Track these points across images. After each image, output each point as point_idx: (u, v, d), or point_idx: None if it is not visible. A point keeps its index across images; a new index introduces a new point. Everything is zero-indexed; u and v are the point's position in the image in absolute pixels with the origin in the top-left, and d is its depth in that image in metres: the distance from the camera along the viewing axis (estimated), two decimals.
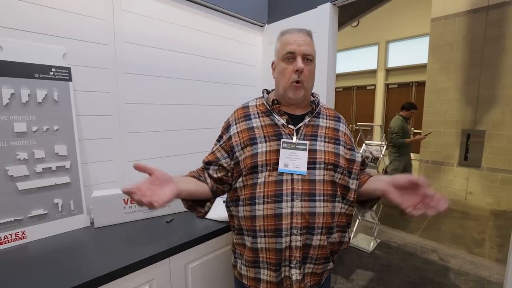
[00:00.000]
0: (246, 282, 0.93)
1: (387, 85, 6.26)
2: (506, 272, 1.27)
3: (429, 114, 4.58)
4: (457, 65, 4.21)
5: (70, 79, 1.23)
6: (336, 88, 7.10)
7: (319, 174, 0.88)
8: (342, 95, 7.03)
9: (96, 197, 1.23)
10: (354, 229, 3.00)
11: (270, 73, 1.05)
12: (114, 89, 1.41)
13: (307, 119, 0.96)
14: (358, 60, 6.66)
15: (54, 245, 1.09)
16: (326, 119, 1.00)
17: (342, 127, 1.01)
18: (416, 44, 5.62)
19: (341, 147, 0.95)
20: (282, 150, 0.88)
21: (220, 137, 1.02)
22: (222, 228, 1.25)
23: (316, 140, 0.93)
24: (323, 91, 1.80)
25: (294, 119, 0.96)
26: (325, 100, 1.80)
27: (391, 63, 6.15)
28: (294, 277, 0.86)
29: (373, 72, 6.42)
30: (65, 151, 1.21)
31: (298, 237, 0.85)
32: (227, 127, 1.01)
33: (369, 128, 5.74)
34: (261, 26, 2.18)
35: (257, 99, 1.05)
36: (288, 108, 0.98)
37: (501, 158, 3.93)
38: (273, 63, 1.01)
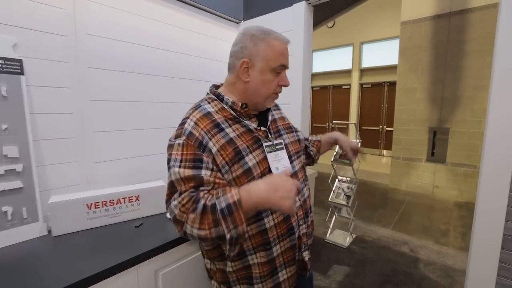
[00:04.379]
0: None
1: (361, 85, 6.46)
2: (468, 260, 1.36)
3: (399, 112, 4.78)
4: (424, 66, 4.42)
5: (22, 73, 1.11)
6: (313, 87, 7.08)
7: (296, 165, 0.95)
8: (319, 93, 7.18)
9: (54, 203, 1.12)
10: (331, 225, 3.05)
11: None
12: (75, 84, 1.29)
13: (270, 117, 0.95)
14: (335, 60, 6.82)
15: (3, 259, 0.97)
16: (273, 110, 1.01)
17: (283, 113, 1.06)
18: (388, 46, 5.83)
19: (294, 133, 1.02)
20: (268, 155, 0.86)
21: (200, 160, 0.76)
22: None
23: (281, 135, 0.95)
24: (299, 88, 1.79)
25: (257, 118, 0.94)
26: (301, 97, 1.80)
27: (365, 64, 6.36)
28: (306, 258, 0.93)
29: (348, 72, 6.60)
30: (16, 153, 1.08)
31: (304, 226, 0.93)
32: (199, 144, 0.77)
33: (345, 126, 5.87)
34: (237, 23, 2.14)
35: (209, 102, 0.88)
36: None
37: (463, 154, 4.17)
38: (246, 61, 0.83)
